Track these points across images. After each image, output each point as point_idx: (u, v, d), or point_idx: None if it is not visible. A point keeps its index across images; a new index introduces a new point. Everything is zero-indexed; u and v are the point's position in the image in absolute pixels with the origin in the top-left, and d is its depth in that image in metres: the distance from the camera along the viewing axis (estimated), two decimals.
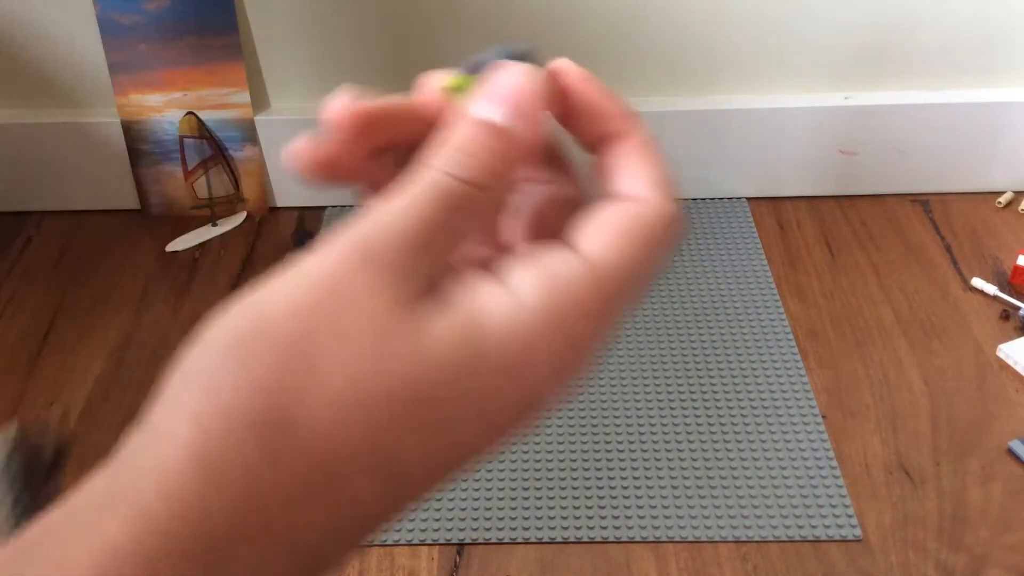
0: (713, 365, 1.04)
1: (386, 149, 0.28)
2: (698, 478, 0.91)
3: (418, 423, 0.21)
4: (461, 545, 0.86)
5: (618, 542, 0.86)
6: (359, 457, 0.21)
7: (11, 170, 1.28)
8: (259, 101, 1.24)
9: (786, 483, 0.91)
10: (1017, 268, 1.11)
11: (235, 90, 1.21)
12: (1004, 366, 1.02)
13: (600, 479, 0.91)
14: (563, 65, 0.26)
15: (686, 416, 0.98)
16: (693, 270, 1.18)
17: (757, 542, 0.86)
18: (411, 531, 0.87)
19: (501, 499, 0.90)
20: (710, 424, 0.97)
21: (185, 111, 1.22)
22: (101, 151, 1.26)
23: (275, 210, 1.30)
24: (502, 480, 0.92)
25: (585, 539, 0.86)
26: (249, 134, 1.24)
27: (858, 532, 0.86)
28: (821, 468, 0.92)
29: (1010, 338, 1.05)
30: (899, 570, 0.83)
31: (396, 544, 0.86)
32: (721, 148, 1.24)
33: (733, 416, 0.98)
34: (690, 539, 0.86)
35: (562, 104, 0.26)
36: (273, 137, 1.25)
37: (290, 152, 0.26)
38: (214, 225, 1.27)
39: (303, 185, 1.29)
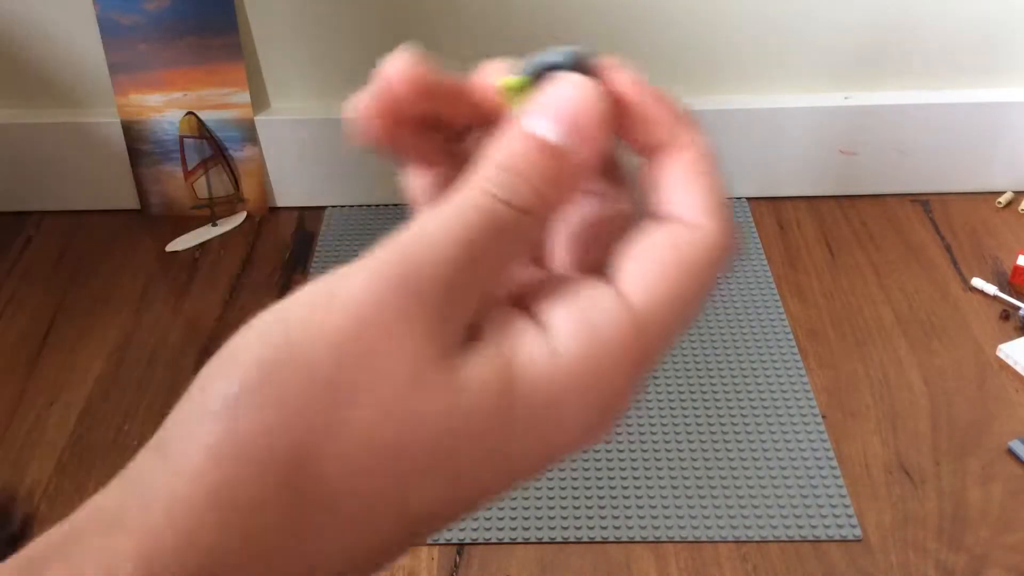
0: (713, 365, 1.04)
1: (434, 125, 0.26)
2: (698, 478, 0.91)
3: (443, 473, 0.21)
4: (461, 545, 0.86)
5: (618, 542, 0.86)
6: (379, 504, 0.20)
7: (11, 170, 1.28)
8: (259, 101, 1.24)
9: (786, 483, 0.91)
10: (1017, 268, 1.11)
11: (235, 90, 1.21)
12: (1004, 366, 1.02)
13: (600, 479, 0.91)
14: (614, 66, 0.24)
15: (686, 416, 0.98)
16: None
17: (757, 542, 0.86)
18: None
19: (501, 499, 0.90)
20: (710, 424, 0.97)
21: (185, 111, 1.22)
22: (101, 151, 1.26)
23: (275, 210, 1.30)
24: None
25: (585, 539, 0.86)
26: (249, 134, 1.24)
27: (858, 532, 0.86)
28: (821, 468, 0.92)
29: (1010, 338, 1.05)
30: (899, 570, 0.83)
31: None
32: (721, 148, 1.24)
33: (733, 416, 0.98)
34: (690, 539, 0.86)
35: (613, 109, 0.24)
36: (273, 137, 1.25)
37: (357, 103, 0.24)
38: (214, 225, 1.27)
39: (303, 185, 1.29)
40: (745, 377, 1.02)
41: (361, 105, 0.25)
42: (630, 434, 0.96)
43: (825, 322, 1.09)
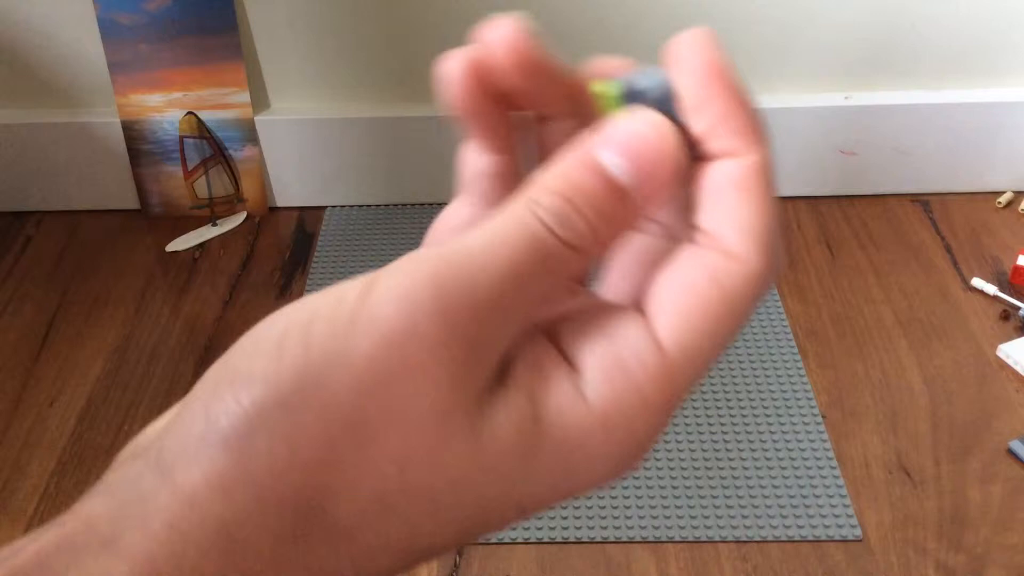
0: (713, 365, 1.04)
1: (512, 101, 0.24)
2: (698, 478, 0.91)
3: (457, 516, 0.20)
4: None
5: (618, 542, 0.86)
6: (387, 542, 0.20)
7: (11, 170, 1.28)
8: (259, 101, 1.24)
9: (786, 483, 0.91)
10: (1017, 268, 1.11)
11: (235, 90, 1.21)
12: (1004, 366, 1.02)
13: None
14: (695, 46, 0.22)
15: (686, 416, 0.98)
16: None
17: (757, 542, 0.86)
18: None
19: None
20: (710, 424, 0.97)
21: (185, 111, 1.22)
22: (101, 151, 1.26)
23: (275, 210, 1.30)
24: None
25: (585, 539, 0.86)
26: (249, 134, 1.24)
27: (858, 532, 0.86)
28: (821, 468, 0.92)
29: (1010, 338, 1.05)
30: (899, 570, 0.83)
31: None
32: None
33: (733, 416, 0.98)
34: (690, 539, 0.86)
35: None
36: (273, 137, 1.25)
37: (450, 61, 0.22)
38: (214, 225, 1.27)
39: (303, 185, 1.29)
40: (745, 377, 1.02)
41: (454, 64, 0.22)
42: None
43: (825, 322, 1.09)
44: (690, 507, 0.89)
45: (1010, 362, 1.02)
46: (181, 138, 1.24)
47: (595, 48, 1.20)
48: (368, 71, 1.22)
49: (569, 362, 0.21)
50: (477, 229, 0.20)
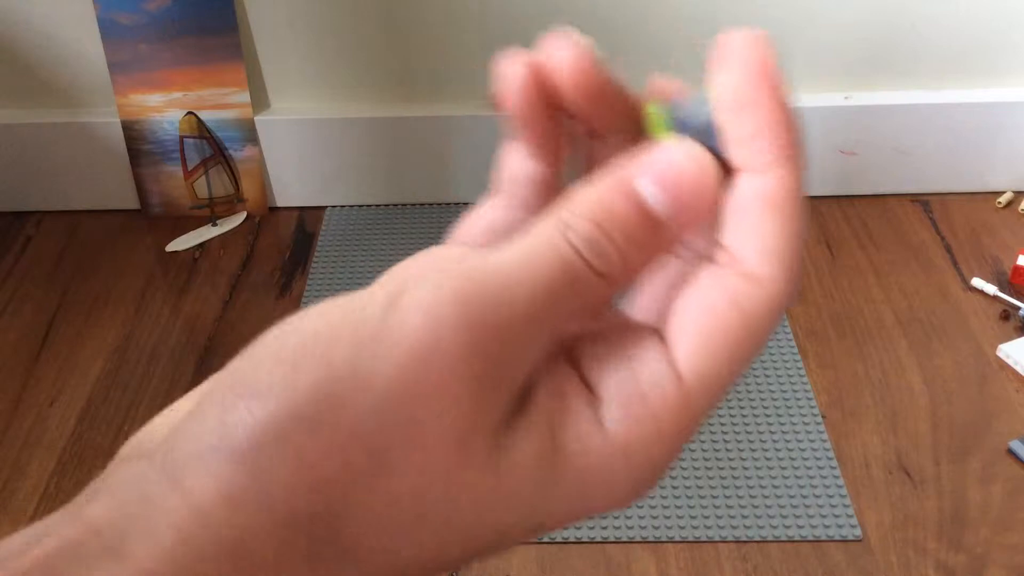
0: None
1: (567, 112, 0.23)
2: (698, 478, 0.91)
3: (473, 540, 0.20)
4: None
5: (618, 542, 0.86)
6: (401, 566, 0.19)
7: (11, 170, 1.28)
8: (259, 101, 1.24)
9: (786, 483, 0.91)
10: (1017, 268, 1.11)
11: (235, 90, 1.21)
12: (1004, 366, 1.02)
13: None
14: (748, 47, 0.21)
15: None
16: None
17: (757, 542, 0.86)
18: None
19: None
20: (710, 424, 0.97)
21: (185, 111, 1.22)
22: (101, 151, 1.26)
23: (275, 210, 1.30)
24: None
25: (585, 539, 0.86)
26: (249, 134, 1.24)
27: (858, 532, 0.86)
28: (821, 468, 0.92)
29: (1010, 338, 1.05)
30: (899, 570, 0.83)
31: None
32: None
33: (733, 416, 0.98)
34: (690, 539, 0.86)
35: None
36: (273, 137, 1.25)
37: (509, 67, 0.22)
38: (214, 225, 1.27)
39: (303, 185, 1.29)
40: (745, 377, 1.02)
41: (515, 68, 0.22)
42: None
43: (825, 322, 1.09)
44: (690, 507, 0.89)
45: (1010, 362, 1.02)
46: (181, 138, 1.24)
47: (596, 49, 1.19)
48: (368, 71, 1.22)
49: (589, 387, 0.21)
50: (506, 247, 0.20)
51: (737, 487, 0.90)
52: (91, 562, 0.18)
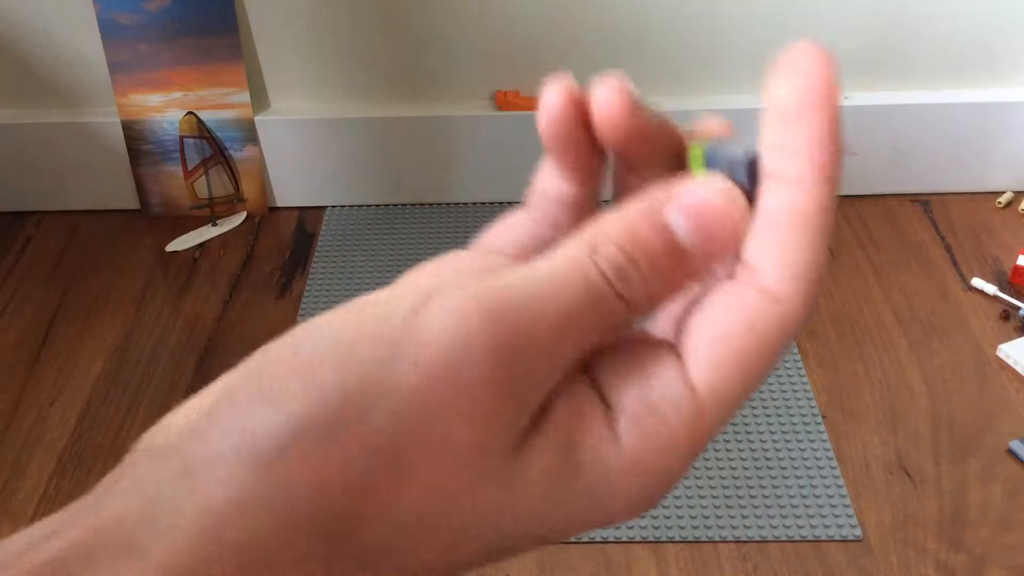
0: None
1: (602, 143, 0.24)
2: (698, 478, 0.91)
3: (484, 548, 0.20)
4: None
5: (618, 542, 0.86)
6: (409, 569, 0.20)
7: (11, 170, 1.28)
8: (259, 101, 1.24)
9: (786, 483, 0.91)
10: (1017, 268, 1.11)
11: (235, 90, 1.21)
12: (1004, 366, 1.02)
13: None
14: (811, 60, 0.21)
15: None
16: None
17: (757, 542, 0.86)
18: None
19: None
20: None
21: (185, 111, 1.22)
22: (101, 151, 1.26)
23: (275, 210, 1.30)
24: None
25: (585, 539, 0.86)
26: (249, 134, 1.24)
27: (858, 532, 0.86)
28: (821, 468, 0.92)
29: (1010, 338, 1.05)
30: (899, 570, 0.83)
31: None
32: None
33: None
34: (690, 539, 0.86)
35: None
36: (273, 137, 1.25)
37: (553, 97, 0.23)
38: (214, 225, 1.27)
39: (303, 185, 1.29)
40: None
41: (556, 98, 0.22)
42: None
43: (825, 322, 1.09)
44: (690, 507, 0.89)
45: (1010, 362, 1.02)
46: (181, 138, 1.24)
47: (596, 48, 1.19)
48: (368, 71, 1.22)
49: (604, 401, 0.21)
50: (534, 264, 0.20)
51: (737, 487, 0.90)
52: (105, 559, 0.18)
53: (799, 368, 1.03)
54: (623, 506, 0.21)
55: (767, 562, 0.84)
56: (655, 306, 0.21)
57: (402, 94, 1.24)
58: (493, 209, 1.28)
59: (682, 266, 0.21)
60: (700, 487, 0.91)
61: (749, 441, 0.95)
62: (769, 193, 0.21)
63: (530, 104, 1.22)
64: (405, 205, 1.30)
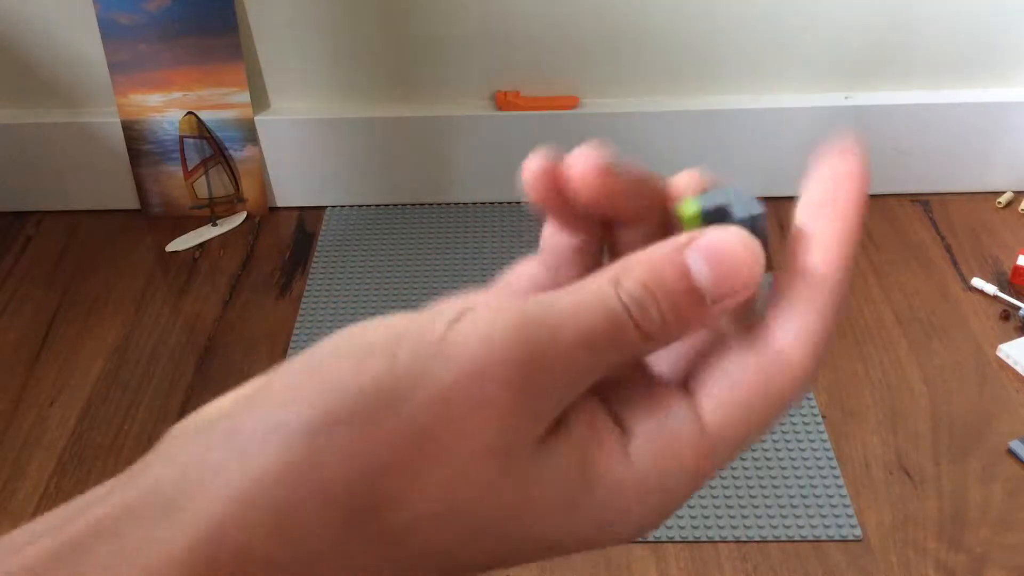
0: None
1: (584, 207, 0.26)
2: None
3: (498, 548, 0.22)
4: None
5: None
6: (432, 560, 0.21)
7: (11, 170, 1.28)
8: (259, 101, 1.24)
9: (786, 483, 0.91)
10: (1017, 268, 1.11)
11: (235, 90, 1.21)
12: (1004, 366, 1.02)
13: None
14: (850, 162, 0.24)
15: None
16: None
17: (757, 542, 0.86)
18: None
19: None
20: None
21: (185, 111, 1.22)
22: (101, 151, 1.26)
23: (275, 210, 1.30)
24: None
25: None
26: (249, 134, 1.24)
27: (858, 532, 0.86)
28: (821, 468, 0.92)
29: (1010, 338, 1.05)
30: (899, 570, 0.83)
31: None
32: (721, 148, 1.24)
33: None
34: (690, 539, 0.86)
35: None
36: (273, 137, 1.25)
37: (532, 165, 0.24)
38: (214, 225, 1.27)
39: (303, 185, 1.29)
40: None
41: (534, 167, 0.24)
42: None
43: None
44: (690, 507, 0.89)
45: (1010, 362, 1.02)
46: (181, 138, 1.24)
47: (596, 48, 1.19)
48: (368, 71, 1.22)
49: (620, 425, 0.23)
50: (561, 292, 0.22)
51: (737, 487, 0.90)
52: (147, 519, 0.19)
53: None
54: (628, 523, 0.22)
55: (767, 562, 0.84)
56: (670, 340, 0.22)
57: (402, 94, 1.24)
58: (493, 209, 1.28)
59: (699, 308, 0.22)
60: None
61: None
62: (799, 268, 0.24)
63: (530, 104, 1.22)
64: (405, 205, 1.30)
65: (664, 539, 0.86)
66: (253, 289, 1.17)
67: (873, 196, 1.29)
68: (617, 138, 1.22)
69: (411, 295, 1.14)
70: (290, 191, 1.30)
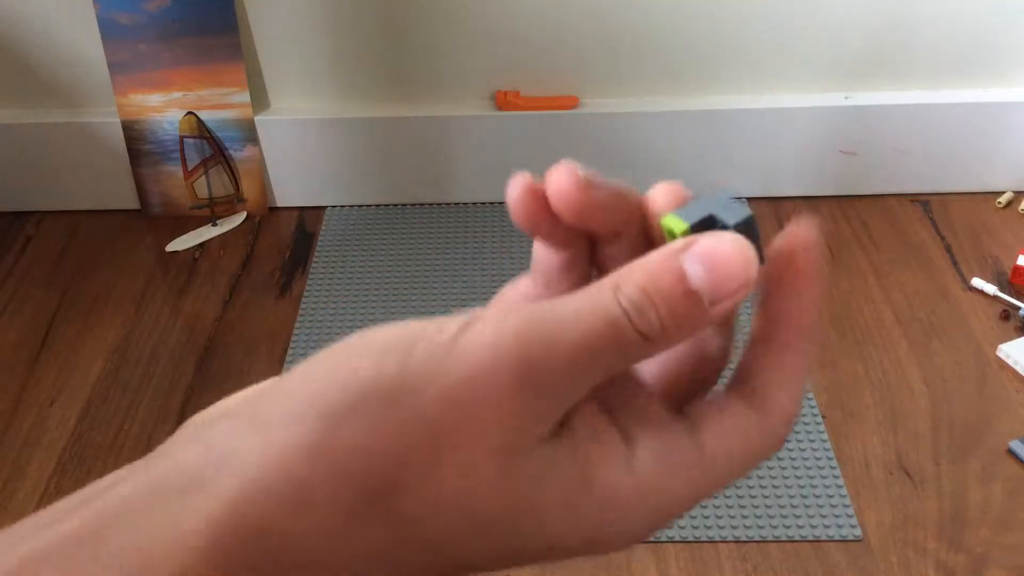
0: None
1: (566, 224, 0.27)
2: None
3: (501, 546, 0.22)
4: None
5: None
6: (436, 551, 0.22)
7: (11, 170, 1.28)
8: (259, 101, 1.24)
9: (786, 483, 0.91)
10: (1017, 268, 1.11)
11: (235, 90, 1.21)
12: (1004, 366, 1.02)
13: None
14: (803, 239, 0.26)
15: None
16: None
17: (757, 542, 0.86)
18: None
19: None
20: None
21: (185, 111, 1.22)
22: (101, 151, 1.26)
23: (275, 210, 1.30)
24: None
25: None
26: (249, 134, 1.24)
27: (858, 532, 0.86)
28: (821, 468, 0.92)
29: (1010, 338, 1.05)
30: (899, 570, 0.83)
31: None
32: (721, 148, 1.24)
33: None
34: (690, 539, 0.86)
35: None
36: (273, 137, 1.25)
37: (516, 184, 0.26)
38: (214, 225, 1.27)
39: (303, 185, 1.29)
40: None
41: (515, 190, 0.26)
42: None
43: (825, 322, 1.09)
44: None
45: (1010, 362, 1.02)
46: (181, 138, 1.24)
47: (596, 48, 1.19)
48: (368, 71, 1.22)
49: (623, 434, 0.24)
50: (563, 299, 0.23)
51: (737, 487, 0.90)
52: (170, 495, 0.20)
53: None
54: (624, 531, 0.23)
55: (767, 562, 0.84)
56: (670, 343, 0.23)
57: (402, 94, 1.24)
58: (493, 209, 1.28)
59: (696, 311, 0.23)
60: None
61: None
62: (777, 355, 0.26)
63: (530, 104, 1.22)
64: (405, 205, 1.30)
65: (664, 539, 0.86)
66: (253, 289, 1.17)
67: (873, 196, 1.30)
68: (617, 138, 1.22)
69: (411, 295, 1.14)
70: (290, 191, 1.30)
